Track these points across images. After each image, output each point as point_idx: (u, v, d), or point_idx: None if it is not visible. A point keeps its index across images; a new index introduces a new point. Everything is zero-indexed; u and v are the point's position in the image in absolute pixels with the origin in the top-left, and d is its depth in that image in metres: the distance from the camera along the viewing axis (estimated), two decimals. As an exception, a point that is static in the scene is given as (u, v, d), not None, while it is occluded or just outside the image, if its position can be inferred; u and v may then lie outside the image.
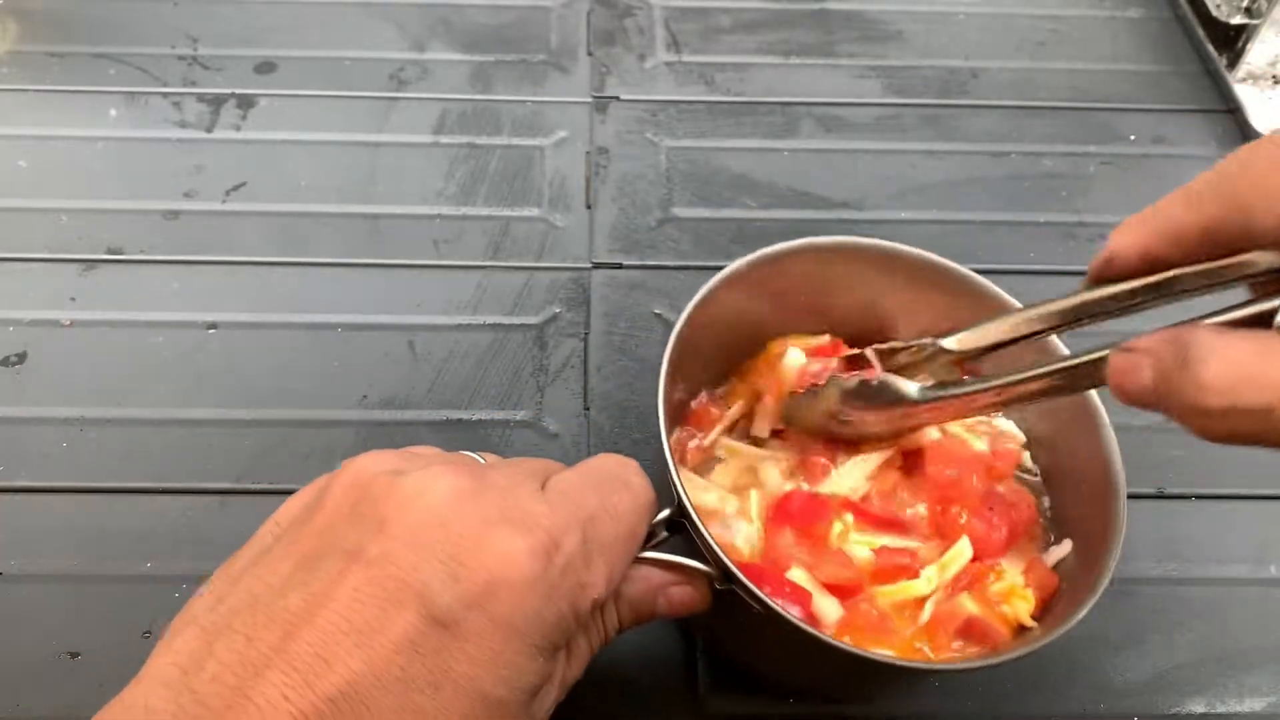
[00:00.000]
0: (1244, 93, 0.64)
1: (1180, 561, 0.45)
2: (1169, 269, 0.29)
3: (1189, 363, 0.25)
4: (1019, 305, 0.40)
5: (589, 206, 0.57)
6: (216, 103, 0.61)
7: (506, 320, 0.52)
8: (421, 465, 0.29)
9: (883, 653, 0.34)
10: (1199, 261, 0.28)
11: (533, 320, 0.52)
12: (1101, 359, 0.30)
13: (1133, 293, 0.30)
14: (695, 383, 0.42)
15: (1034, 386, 0.33)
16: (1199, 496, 0.47)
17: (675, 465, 0.34)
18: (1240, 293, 0.29)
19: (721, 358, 0.43)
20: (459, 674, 0.26)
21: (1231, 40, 0.66)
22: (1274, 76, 0.65)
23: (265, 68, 0.63)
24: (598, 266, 0.54)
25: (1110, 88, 0.66)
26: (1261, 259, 0.27)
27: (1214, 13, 0.67)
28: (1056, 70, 0.67)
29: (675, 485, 0.34)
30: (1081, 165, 0.61)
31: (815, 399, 0.39)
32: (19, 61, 0.63)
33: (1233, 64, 0.65)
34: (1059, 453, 0.41)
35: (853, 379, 0.38)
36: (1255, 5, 0.65)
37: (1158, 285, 0.30)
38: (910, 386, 0.37)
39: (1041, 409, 0.41)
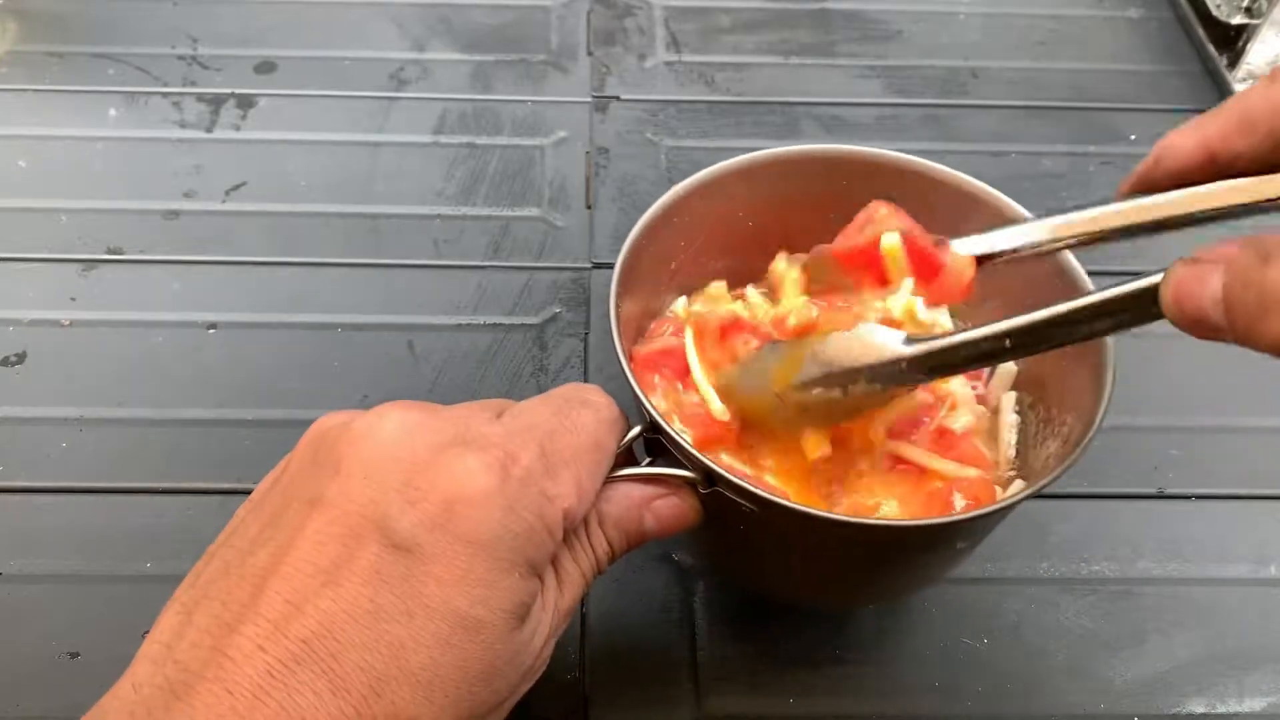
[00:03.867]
0: (1244, 93, 0.64)
1: (1180, 561, 0.45)
2: (1230, 170, 0.25)
3: (1275, 255, 0.22)
4: (1025, 214, 0.36)
5: (589, 206, 0.57)
6: (216, 103, 0.61)
7: (506, 320, 0.52)
8: (370, 411, 0.29)
9: (894, 520, 0.32)
10: (1266, 166, 0.25)
11: (533, 320, 0.52)
12: (1151, 286, 0.25)
13: (1169, 207, 0.26)
14: (656, 302, 0.41)
15: (1063, 329, 0.27)
16: (1199, 496, 0.47)
17: (634, 376, 0.34)
18: None
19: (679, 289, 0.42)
20: (430, 597, 0.26)
21: (1231, 40, 0.66)
22: (1274, 76, 0.65)
23: (265, 68, 0.63)
24: (598, 266, 0.54)
25: (1110, 88, 0.66)
26: None
27: (1214, 13, 0.67)
28: (1057, 70, 0.67)
29: (638, 396, 0.33)
30: (1081, 165, 0.61)
31: (762, 373, 0.34)
32: (19, 61, 0.63)
33: (1233, 64, 0.65)
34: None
35: (825, 338, 0.32)
36: (1255, 5, 0.65)
37: (1202, 198, 0.25)
38: (892, 336, 0.30)
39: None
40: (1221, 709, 0.41)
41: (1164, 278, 0.24)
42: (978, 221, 0.36)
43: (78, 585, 0.42)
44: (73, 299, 0.51)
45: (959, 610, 0.43)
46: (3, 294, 0.51)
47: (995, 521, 0.33)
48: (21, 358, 0.49)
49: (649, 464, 0.34)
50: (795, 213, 0.40)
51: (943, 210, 0.38)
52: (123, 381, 0.48)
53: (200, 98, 0.61)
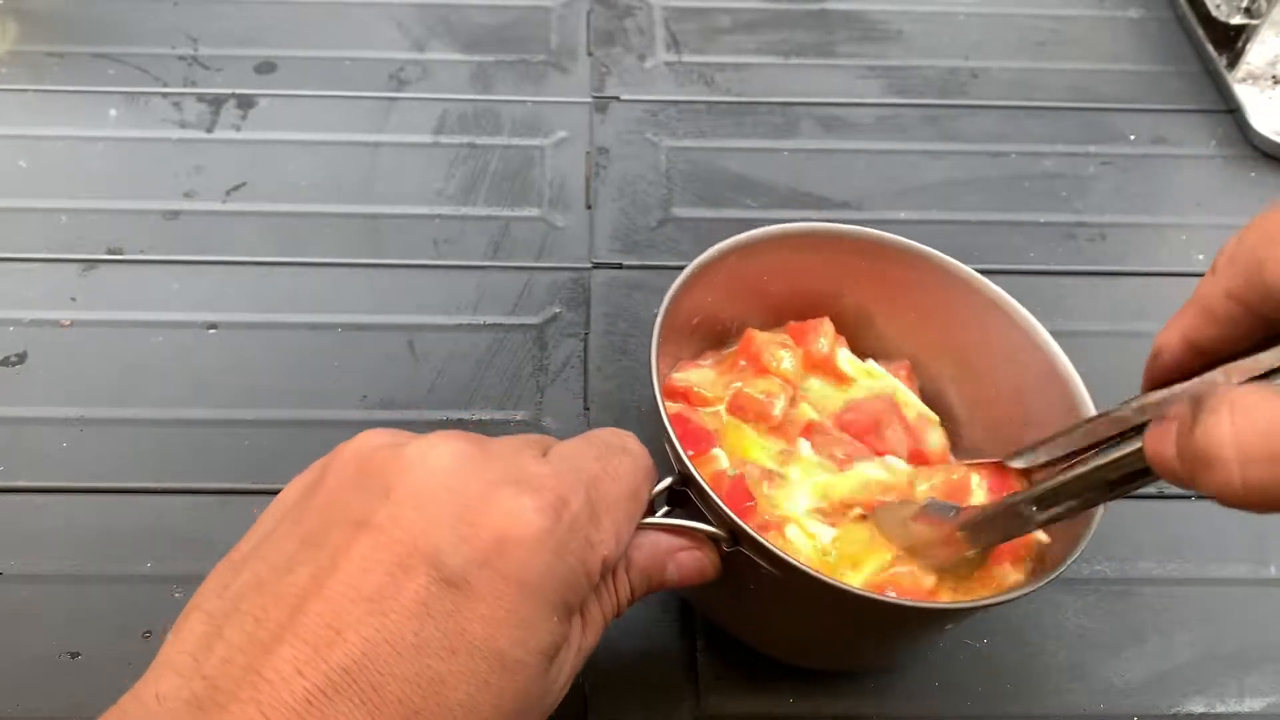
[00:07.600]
0: (1244, 93, 0.64)
1: (1180, 561, 0.45)
2: (1217, 355, 0.28)
3: (1201, 416, 0.24)
4: (1085, 414, 0.39)
5: (589, 206, 0.57)
6: (216, 103, 0.61)
7: (506, 320, 0.52)
8: (421, 437, 0.29)
9: (902, 599, 0.34)
10: (1245, 343, 0.27)
11: (533, 320, 0.52)
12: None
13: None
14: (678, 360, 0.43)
15: (1085, 483, 0.31)
16: (1199, 496, 0.47)
17: (673, 430, 0.34)
18: None
19: (702, 339, 0.43)
20: (474, 635, 0.25)
21: (1231, 40, 0.66)
22: (1274, 76, 0.65)
23: (265, 68, 0.63)
24: (598, 266, 0.54)
25: (1110, 88, 0.66)
26: None
27: (1214, 13, 0.67)
28: (1056, 70, 0.67)
29: (675, 449, 0.34)
30: (1081, 165, 0.61)
31: (897, 518, 0.37)
32: (19, 61, 0.63)
33: (1233, 64, 0.65)
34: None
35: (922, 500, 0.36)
36: (1255, 5, 0.65)
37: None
38: (948, 506, 0.35)
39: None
40: (1221, 709, 0.41)
41: (1144, 435, 0.27)
42: (996, 324, 0.40)
43: (78, 585, 0.42)
44: (73, 299, 0.51)
45: (959, 610, 0.43)
46: (3, 294, 0.51)
47: (991, 609, 0.34)
48: (22, 358, 0.49)
49: (666, 513, 0.34)
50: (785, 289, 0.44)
51: (962, 309, 0.42)
52: (123, 381, 0.48)
53: (200, 98, 0.61)
